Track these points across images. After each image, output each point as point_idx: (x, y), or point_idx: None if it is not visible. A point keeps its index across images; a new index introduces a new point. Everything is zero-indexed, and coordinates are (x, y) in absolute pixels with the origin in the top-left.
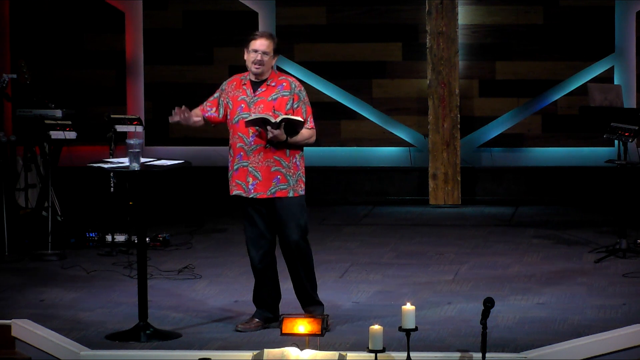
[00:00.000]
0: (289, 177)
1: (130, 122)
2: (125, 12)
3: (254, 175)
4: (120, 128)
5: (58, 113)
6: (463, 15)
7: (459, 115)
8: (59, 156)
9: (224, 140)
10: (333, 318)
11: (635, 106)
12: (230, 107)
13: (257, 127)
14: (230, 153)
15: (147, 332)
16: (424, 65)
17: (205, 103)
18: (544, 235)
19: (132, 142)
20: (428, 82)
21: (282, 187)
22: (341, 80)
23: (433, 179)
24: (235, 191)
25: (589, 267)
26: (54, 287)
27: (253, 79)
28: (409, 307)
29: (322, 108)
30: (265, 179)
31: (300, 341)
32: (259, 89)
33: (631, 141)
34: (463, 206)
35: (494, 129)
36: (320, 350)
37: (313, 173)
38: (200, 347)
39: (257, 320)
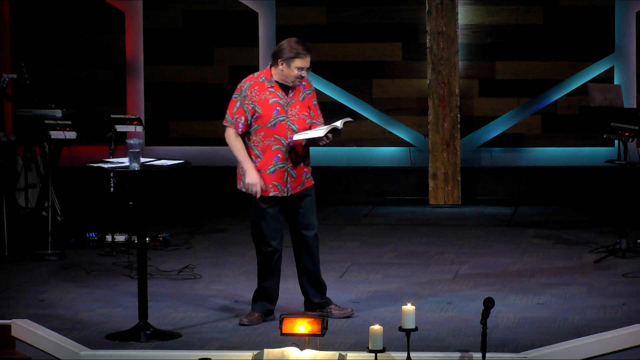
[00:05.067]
0: (310, 168)
1: (130, 122)
2: (125, 12)
3: (291, 174)
4: (120, 128)
5: (58, 113)
6: (463, 15)
7: (459, 115)
8: (59, 156)
9: (224, 140)
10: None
11: (635, 106)
12: (259, 111)
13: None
14: (257, 154)
15: (147, 332)
16: (424, 65)
17: (234, 120)
18: (544, 235)
19: (132, 142)
20: (428, 82)
21: (308, 177)
22: (341, 80)
23: (433, 179)
24: (272, 192)
25: (589, 267)
26: (54, 287)
27: (281, 82)
28: (409, 307)
29: (322, 108)
30: (298, 175)
31: (300, 341)
32: (290, 91)
33: (631, 141)
34: (463, 206)
35: (494, 129)
36: (320, 350)
37: (313, 173)
38: (200, 347)
39: (258, 314)
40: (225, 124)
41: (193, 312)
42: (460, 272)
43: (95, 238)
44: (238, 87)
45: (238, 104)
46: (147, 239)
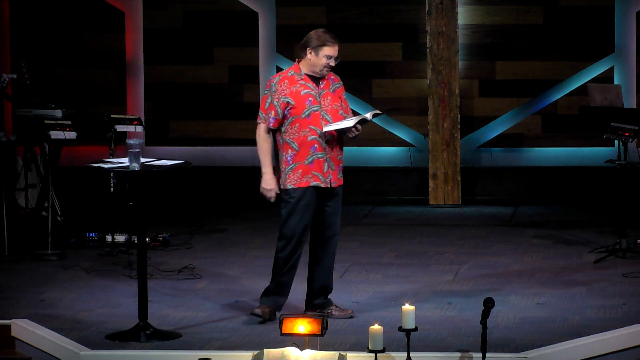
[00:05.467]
0: (343, 166)
1: (130, 122)
2: (125, 12)
3: (330, 166)
4: (120, 128)
5: (58, 113)
6: (463, 15)
7: (459, 115)
8: (59, 156)
9: (224, 140)
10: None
11: (635, 106)
12: (292, 103)
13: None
14: (293, 147)
15: (147, 332)
16: (424, 65)
17: (266, 116)
18: (544, 235)
19: (132, 142)
20: (428, 82)
21: (341, 174)
22: (341, 80)
23: (433, 179)
24: (312, 182)
25: (589, 267)
26: (54, 287)
27: (311, 73)
28: (409, 307)
29: None
30: (336, 168)
31: (300, 341)
32: (320, 82)
33: (631, 141)
34: (463, 206)
35: (494, 129)
36: (320, 350)
37: None
38: (200, 347)
39: (269, 308)
40: (258, 120)
41: (193, 312)
42: (460, 272)
43: (95, 238)
44: (267, 83)
45: (269, 100)
46: (147, 239)
